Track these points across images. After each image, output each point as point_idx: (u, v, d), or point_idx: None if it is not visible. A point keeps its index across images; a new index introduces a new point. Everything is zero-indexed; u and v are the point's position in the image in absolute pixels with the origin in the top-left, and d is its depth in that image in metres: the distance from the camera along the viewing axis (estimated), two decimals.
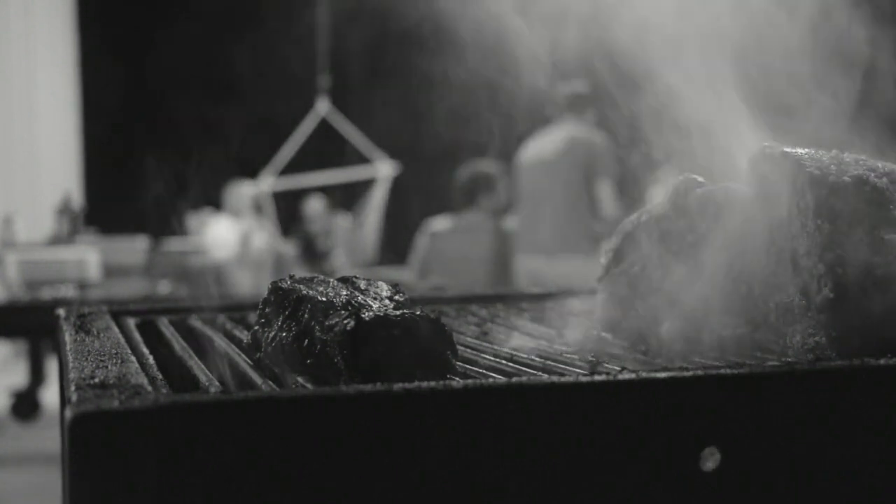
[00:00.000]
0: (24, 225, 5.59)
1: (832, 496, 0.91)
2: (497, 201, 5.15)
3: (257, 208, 7.52)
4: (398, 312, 1.00)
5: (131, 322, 1.39)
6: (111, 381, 0.85)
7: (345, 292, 1.11)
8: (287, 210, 7.66)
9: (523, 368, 1.09)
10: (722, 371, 0.91)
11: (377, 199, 7.84)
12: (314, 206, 7.38)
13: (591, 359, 1.13)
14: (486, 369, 1.08)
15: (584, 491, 0.84)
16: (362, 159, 7.80)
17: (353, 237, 7.53)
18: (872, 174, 1.09)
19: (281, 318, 1.11)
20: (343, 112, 7.48)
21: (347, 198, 7.83)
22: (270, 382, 1.02)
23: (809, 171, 1.08)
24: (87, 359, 0.98)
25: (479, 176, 5.06)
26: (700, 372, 0.89)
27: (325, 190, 7.71)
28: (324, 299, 1.08)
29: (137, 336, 1.27)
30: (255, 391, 0.97)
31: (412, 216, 5.40)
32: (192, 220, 7.13)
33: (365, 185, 7.92)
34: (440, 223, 5.21)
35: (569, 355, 1.17)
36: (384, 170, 7.82)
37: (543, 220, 4.66)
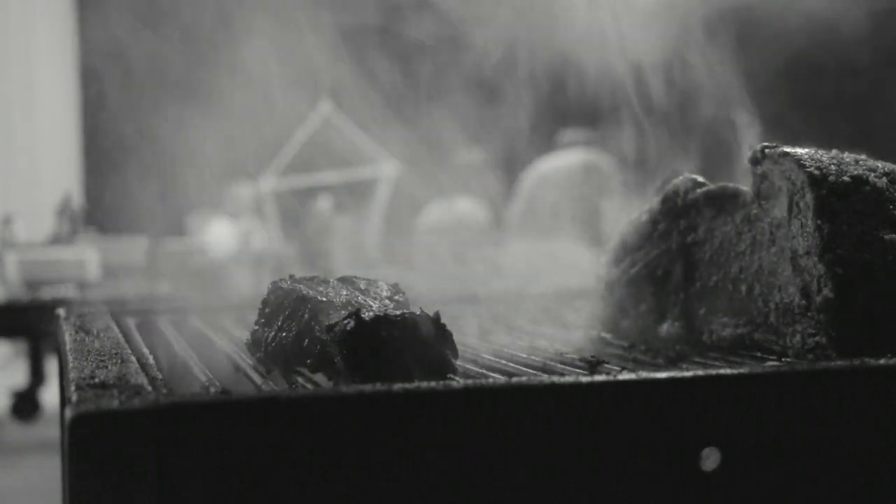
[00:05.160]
0: (24, 225, 5.58)
1: (832, 496, 0.91)
2: (486, 186, 5.27)
3: (257, 209, 7.52)
4: (398, 312, 1.00)
5: (131, 322, 1.39)
6: (111, 381, 0.85)
7: (345, 292, 1.11)
8: (289, 210, 7.65)
9: (523, 368, 1.09)
10: (722, 371, 0.91)
11: (380, 199, 7.83)
12: (317, 207, 7.37)
13: (591, 359, 1.13)
14: (486, 369, 1.08)
15: (583, 491, 0.84)
16: (365, 159, 7.79)
17: (356, 237, 7.52)
18: (872, 174, 1.09)
19: (281, 318, 1.11)
20: (345, 112, 7.48)
21: (350, 198, 7.82)
22: (270, 382, 1.02)
23: (809, 171, 1.08)
24: (87, 359, 0.98)
25: (471, 162, 5.18)
26: (700, 372, 0.89)
27: (328, 190, 7.70)
28: (324, 299, 1.08)
29: (137, 336, 1.27)
30: (255, 391, 0.97)
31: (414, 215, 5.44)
32: (192, 220, 7.13)
33: (368, 186, 7.90)
34: (432, 214, 5.27)
35: (569, 355, 1.17)
36: (387, 169, 7.81)
37: (543, 210, 4.76)
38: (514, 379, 0.87)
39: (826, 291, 1.04)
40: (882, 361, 0.94)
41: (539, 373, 1.05)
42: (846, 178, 1.07)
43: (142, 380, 0.87)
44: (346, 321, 0.98)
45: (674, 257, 1.26)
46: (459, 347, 1.06)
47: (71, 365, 0.94)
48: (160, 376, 0.97)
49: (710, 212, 1.23)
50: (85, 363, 0.95)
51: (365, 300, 1.10)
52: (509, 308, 1.63)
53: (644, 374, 0.88)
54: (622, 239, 1.34)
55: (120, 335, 1.18)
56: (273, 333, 1.10)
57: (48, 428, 4.71)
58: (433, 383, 0.83)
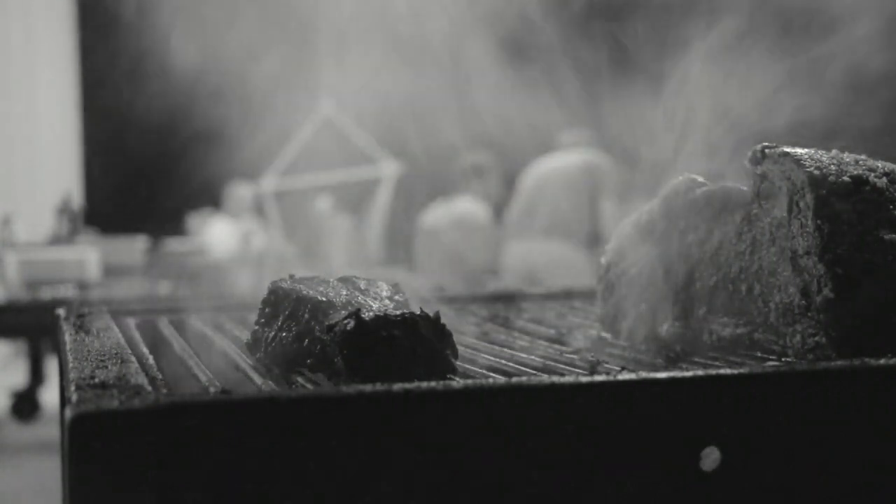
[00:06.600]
0: (24, 225, 5.59)
1: (832, 496, 0.91)
2: (490, 189, 5.29)
3: (258, 209, 7.52)
4: (398, 312, 1.00)
5: (131, 322, 1.39)
6: (111, 381, 0.85)
7: (345, 292, 1.11)
8: (290, 210, 7.65)
9: (523, 368, 1.09)
10: (722, 371, 0.91)
11: (381, 200, 7.83)
12: (319, 206, 7.38)
13: (591, 359, 1.13)
14: (486, 369, 1.08)
15: (583, 491, 0.84)
16: (366, 159, 7.79)
17: (357, 237, 7.53)
18: (872, 174, 1.09)
19: (281, 318, 1.11)
20: (346, 111, 7.47)
21: (351, 198, 7.83)
22: (270, 382, 1.02)
23: (809, 171, 1.08)
24: (87, 359, 0.98)
25: (473, 163, 5.20)
26: (700, 372, 0.89)
27: (327, 190, 7.70)
28: (324, 299, 1.08)
29: (137, 336, 1.27)
30: (255, 391, 0.97)
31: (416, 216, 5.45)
32: (192, 220, 7.14)
33: (369, 186, 7.90)
34: (433, 214, 5.28)
35: (569, 355, 1.17)
36: (388, 169, 7.81)
37: (543, 210, 4.77)
38: (514, 379, 0.87)
39: (826, 291, 1.04)
40: (882, 361, 0.94)
41: (539, 373, 1.05)
42: (846, 178, 1.07)
43: (142, 380, 0.87)
44: (346, 321, 0.98)
45: (674, 257, 1.26)
46: (459, 347, 1.06)
47: (71, 365, 0.95)
48: (160, 376, 0.97)
49: (710, 212, 1.23)
50: (85, 363, 0.95)
51: (365, 300, 1.10)
52: (509, 308, 1.63)
53: (644, 374, 0.88)
54: (622, 239, 1.34)
55: (120, 335, 1.18)
56: (273, 333, 1.10)
57: (48, 428, 4.71)
58: (433, 383, 0.83)
